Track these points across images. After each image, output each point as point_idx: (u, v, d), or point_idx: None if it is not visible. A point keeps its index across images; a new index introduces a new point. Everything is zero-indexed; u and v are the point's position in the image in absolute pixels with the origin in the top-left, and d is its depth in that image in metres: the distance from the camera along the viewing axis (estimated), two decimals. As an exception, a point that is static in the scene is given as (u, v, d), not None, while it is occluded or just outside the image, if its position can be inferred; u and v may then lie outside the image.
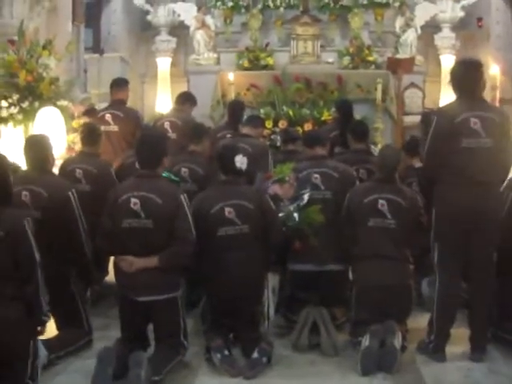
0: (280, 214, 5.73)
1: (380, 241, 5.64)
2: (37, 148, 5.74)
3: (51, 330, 5.39)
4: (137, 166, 5.53)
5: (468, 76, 5.41)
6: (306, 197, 5.87)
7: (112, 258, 5.67)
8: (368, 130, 7.40)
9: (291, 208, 5.80)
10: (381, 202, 5.63)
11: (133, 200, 5.13)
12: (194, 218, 5.24)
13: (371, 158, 6.89)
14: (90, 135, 7.00)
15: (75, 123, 8.23)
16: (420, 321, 5.88)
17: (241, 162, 5.56)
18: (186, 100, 8.74)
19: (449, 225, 5.37)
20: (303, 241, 5.86)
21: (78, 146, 7.47)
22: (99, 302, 6.58)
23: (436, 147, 5.42)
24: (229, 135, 7.69)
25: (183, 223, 5.17)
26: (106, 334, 5.78)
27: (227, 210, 5.46)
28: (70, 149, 7.99)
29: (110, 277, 6.25)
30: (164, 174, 5.48)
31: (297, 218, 5.78)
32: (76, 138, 7.89)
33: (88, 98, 10.78)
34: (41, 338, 4.98)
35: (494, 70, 9.37)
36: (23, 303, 4.59)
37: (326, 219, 5.88)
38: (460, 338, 5.55)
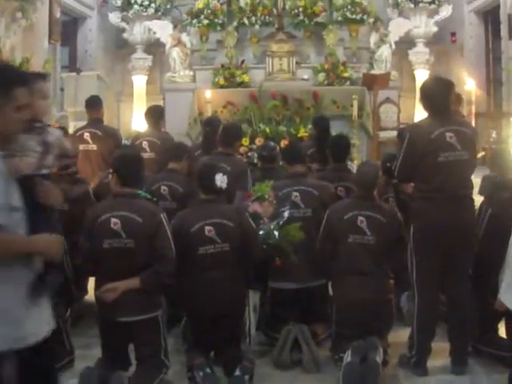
0: (260, 232, 5.73)
1: (359, 257, 5.64)
2: None
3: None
4: (112, 185, 5.49)
5: (438, 93, 5.45)
6: (285, 214, 5.88)
7: (91, 277, 5.64)
8: (349, 146, 7.35)
9: (271, 226, 5.80)
10: (360, 218, 5.65)
11: (113, 220, 5.11)
12: (174, 237, 5.23)
13: (349, 175, 6.86)
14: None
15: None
16: (401, 335, 5.90)
17: (221, 180, 5.56)
18: (161, 116, 8.70)
19: (426, 240, 5.40)
20: (283, 258, 5.87)
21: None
22: (79, 321, 6.53)
23: (407, 163, 5.46)
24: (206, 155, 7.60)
25: (163, 242, 5.15)
26: (88, 353, 5.74)
27: (207, 228, 5.45)
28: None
29: (89, 296, 6.23)
30: (141, 194, 5.45)
31: (277, 236, 5.78)
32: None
33: (65, 117, 10.75)
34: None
35: (469, 85, 9.50)
36: None
37: (307, 237, 5.89)
38: (441, 351, 5.58)
